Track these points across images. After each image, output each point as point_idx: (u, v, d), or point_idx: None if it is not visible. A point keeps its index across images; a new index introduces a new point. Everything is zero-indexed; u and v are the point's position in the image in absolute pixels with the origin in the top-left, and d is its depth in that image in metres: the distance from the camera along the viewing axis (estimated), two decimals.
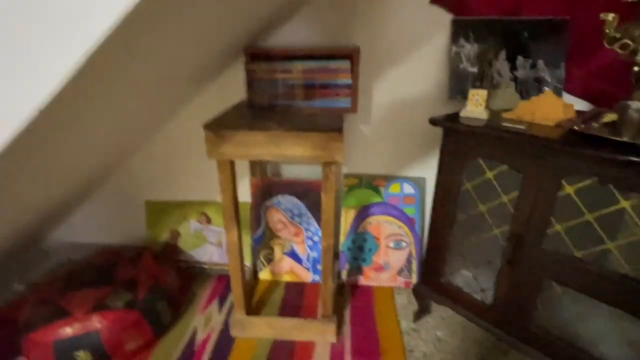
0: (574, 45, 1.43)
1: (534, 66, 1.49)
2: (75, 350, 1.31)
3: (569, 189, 1.08)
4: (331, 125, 1.22)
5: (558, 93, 1.45)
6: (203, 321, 1.66)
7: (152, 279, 1.57)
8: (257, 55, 1.48)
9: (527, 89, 1.51)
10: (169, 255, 1.96)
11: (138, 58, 0.96)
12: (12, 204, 1.23)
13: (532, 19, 1.45)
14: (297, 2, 1.48)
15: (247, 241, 1.90)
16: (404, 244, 1.84)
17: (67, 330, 1.31)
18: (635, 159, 0.91)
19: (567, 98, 1.45)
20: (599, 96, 1.44)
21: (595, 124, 1.11)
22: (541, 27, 1.45)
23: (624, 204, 1.01)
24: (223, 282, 1.90)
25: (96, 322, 1.33)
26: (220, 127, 1.21)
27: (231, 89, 1.70)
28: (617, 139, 0.99)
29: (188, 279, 1.92)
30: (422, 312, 1.66)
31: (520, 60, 1.50)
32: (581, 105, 1.45)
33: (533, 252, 1.19)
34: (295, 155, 1.22)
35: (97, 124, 1.22)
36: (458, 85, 1.58)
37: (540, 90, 1.49)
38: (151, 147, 1.87)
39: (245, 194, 1.86)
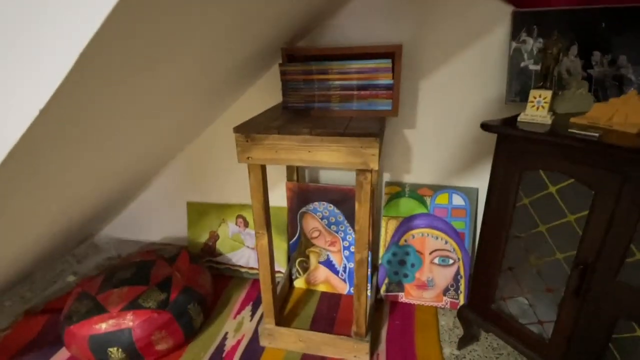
0: None
1: (613, 62, 1.27)
2: (109, 347, 1.34)
3: None
4: (366, 130, 1.12)
5: None
6: (234, 327, 1.63)
7: (186, 281, 1.58)
8: (294, 56, 1.42)
9: (604, 89, 1.29)
10: (206, 256, 1.98)
11: (179, 65, 0.95)
12: (66, 199, 1.28)
13: (613, 6, 1.23)
14: None
15: (282, 246, 1.85)
16: (450, 260, 1.67)
17: (102, 326, 1.35)
18: None
19: None
20: None
21: None
22: (625, 15, 1.23)
23: None
24: (257, 287, 1.87)
25: (128, 321, 1.36)
26: (250, 130, 1.17)
27: (272, 91, 1.66)
28: None
29: (223, 282, 1.91)
30: (468, 338, 1.49)
31: (596, 55, 1.29)
32: None
33: (606, 284, 0.99)
34: (327, 162, 1.14)
35: (144, 132, 1.24)
36: (518, 86, 1.39)
37: (620, 91, 1.27)
38: (194, 149, 1.90)
39: (282, 197, 1.81)
